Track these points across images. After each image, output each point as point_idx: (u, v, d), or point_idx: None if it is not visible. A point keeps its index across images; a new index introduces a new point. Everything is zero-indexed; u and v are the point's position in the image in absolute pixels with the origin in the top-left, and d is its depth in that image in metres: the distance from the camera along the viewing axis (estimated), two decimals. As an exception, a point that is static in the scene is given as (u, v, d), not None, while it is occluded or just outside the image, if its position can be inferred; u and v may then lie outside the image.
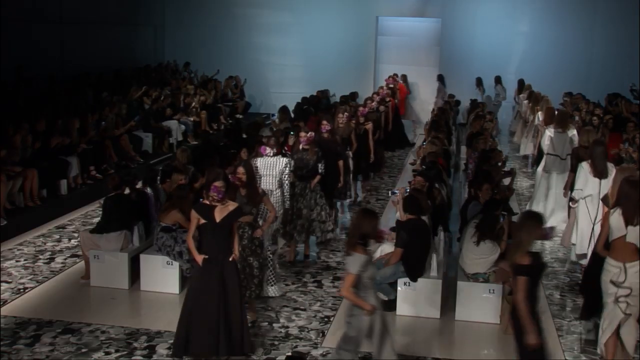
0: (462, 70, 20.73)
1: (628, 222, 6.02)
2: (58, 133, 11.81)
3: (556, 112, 12.11)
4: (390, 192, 10.30)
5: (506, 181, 10.30)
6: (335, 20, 21.53)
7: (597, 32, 20.49)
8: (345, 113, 11.99)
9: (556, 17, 20.68)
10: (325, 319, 7.52)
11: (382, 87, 17.45)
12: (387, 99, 16.31)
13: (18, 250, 9.55)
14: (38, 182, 10.85)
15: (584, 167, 8.28)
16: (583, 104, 16.59)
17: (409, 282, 7.65)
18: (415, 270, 7.61)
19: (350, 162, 11.40)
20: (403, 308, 7.69)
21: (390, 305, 7.75)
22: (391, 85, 18.36)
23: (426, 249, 7.70)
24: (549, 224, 9.43)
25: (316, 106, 16.03)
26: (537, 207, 10.78)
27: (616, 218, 6.10)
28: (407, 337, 7.30)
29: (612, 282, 6.04)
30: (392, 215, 10.51)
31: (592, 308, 6.88)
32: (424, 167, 10.43)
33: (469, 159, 11.99)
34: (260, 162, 8.69)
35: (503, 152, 11.89)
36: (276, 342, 6.94)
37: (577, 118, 14.93)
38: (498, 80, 20.09)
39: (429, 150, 11.09)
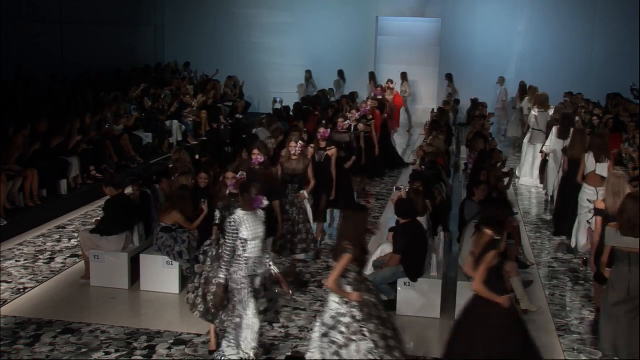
0: (462, 70, 20.73)
1: (597, 160, 9.18)
2: (59, 134, 11.80)
3: (540, 96, 14.66)
4: (395, 187, 10.29)
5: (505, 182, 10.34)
6: (335, 20, 21.51)
7: (597, 32, 20.48)
8: (300, 142, 8.67)
9: (556, 17, 20.67)
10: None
11: (365, 102, 13.76)
12: (370, 116, 12.87)
13: (18, 250, 9.55)
14: (38, 182, 10.85)
15: (553, 131, 12.03)
16: (583, 104, 16.59)
17: (409, 282, 7.65)
18: (414, 271, 7.61)
19: (308, 205, 8.69)
20: (403, 308, 7.69)
21: (390, 305, 7.75)
22: (379, 97, 15.25)
23: (424, 250, 7.71)
24: (532, 183, 13.68)
25: (315, 106, 15.91)
26: (525, 172, 13.92)
27: (589, 159, 9.24)
28: (407, 337, 7.30)
29: (588, 200, 8.92)
30: (392, 214, 10.50)
31: (563, 227, 10.25)
32: (423, 167, 10.45)
33: (469, 159, 12.01)
34: None
35: (503, 153, 11.97)
36: (276, 342, 6.93)
37: (577, 118, 14.93)
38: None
39: (428, 150, 11.11)
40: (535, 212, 12.23)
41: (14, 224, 10.04)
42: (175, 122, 15.84)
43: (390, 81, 18.11)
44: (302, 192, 8.52)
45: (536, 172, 13.53)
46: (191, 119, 16.63)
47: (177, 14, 22.50)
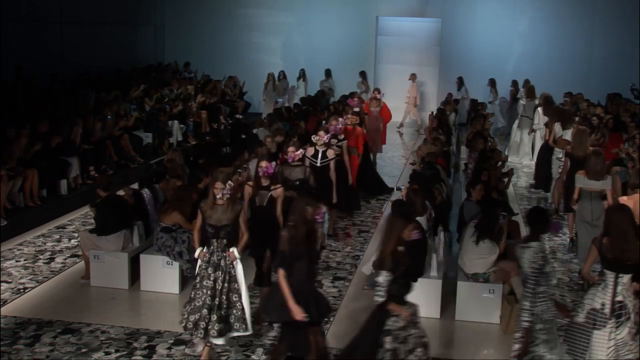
0: (462, 70, 20.70)
1: (564, 128, 12.34)
2: (59, 133, 11.79)
3: (527, 87, 17.21)
4: (395, 187, 10.25)
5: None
6: (335, 20, 21.52)
7: (597, 32, 20.49)
8: (229, 183, 6.39)
9: (556, 17, 20.68)
10: (325, 319, 7.51)
11: (335, 117, 10.78)
12: (341, 136, 10.51)
13: (18, 250, 9.55)
14: (38, 182, 10.85)
15: (539, 110, 15.10)
16: (584, 104, 16.65)
17: (409, 282, 7.64)
18: (415, 271, 7.60)
19: (239, 267, 6.48)
20: (403, 308, 7.67)
21: (390, 305, 7.75)
22: (357, 109, 12.83)
23: (424, 250, 7.70)
24: (517, 161, 15.82)
25: (315, 106, 15.88)
26: (513, 153, 16.19)
27: (557, 126, 12.27)
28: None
29: (558, 159, 11.59)
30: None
31: (540, 183, 12.90)
32: (421, 166, 10.45)
33: (469, 159, 12.01)
34: None
35: (502, 152, 12.02)
36: (277, 342, 6.92)
37: (577, 119, 14.98)
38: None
39: (428, 151, 11.11)
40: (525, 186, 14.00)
41: (14, 224, 10.04)
42: (176, 122, 15.83)
43: (377, 90, 15.75)
44: (231, 249, 6.43)
45: (522, 151, 16.16)
46: (191, 119, 16.63)
47: (177, 14, 22.50)
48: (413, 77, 20.71)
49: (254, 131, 13.20)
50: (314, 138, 9.55)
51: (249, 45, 22.15)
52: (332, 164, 9.57)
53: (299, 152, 8.61)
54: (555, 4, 20.74)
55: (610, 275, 5.63)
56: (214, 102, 18.30)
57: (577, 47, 20.52)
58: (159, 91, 16.76)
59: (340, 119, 10.64)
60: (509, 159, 15.18)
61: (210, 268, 6.38)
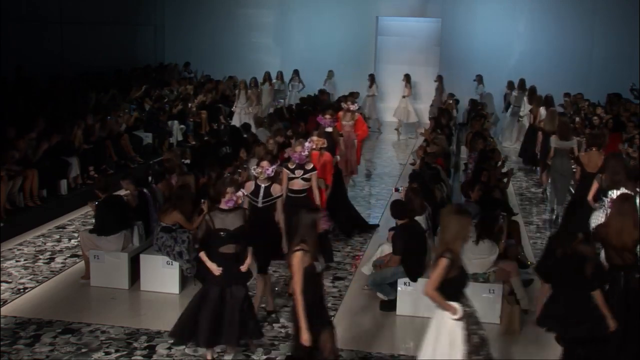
0: (462, 70, 20.70)
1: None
2: (59, 132, 11.79)
3: (519, 81, 18.43)
4: (394, 189, 10.22)
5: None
6: (335, 20, 21.52)
7: (597, 32, 20.48)
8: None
9: (556, 17, 20.68)
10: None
11: (301, 142, 8.36)
12: (310, 166, 8.23)
13: (18, 250, 9.56)
14: (38, 182, 10.86)
15: (525, 100, 17.07)
16: (585, 104, 16.66)
17: (409, 282, 7.65)
18: (414, 271, 7.62)
19: None
20: (403, 308, 7.68)
21: (390, 305, 7.76)
22: (329, 128, 10.72)
23: (423, 250, 7.71)
24: (511, 147, 17.61)
25: (315, 106, 15.86)
26: (508, 140, 18.13)
27: (543, 110, 14.27)
28: (407, 337, 7.31)
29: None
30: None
31: (530, 159, 15.25)
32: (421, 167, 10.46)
33: (469, 159, 12.02)
34: None
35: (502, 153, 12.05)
36: (276, 342, 6.93)
37: (577, 119, 15.01)
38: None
39: (429, 151, 11.12)
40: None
41: (14, 224, 10.03)
42: (176, 122, 15.84)
43: (350, 101, 12.96)
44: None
45: (513, 136, 18.03)
46: (191, 119, 16.63)
47: (177, 14, 22.50)
48: (330, 74, 20.58)
49: (254, 131, 13.20)
50: (254, 170, 7.42)
51: (249, 45, 22.15)
52: (278, 204, 7.36)
53: (238, 195, 6.51)
54: (555, 4, 20.73)
55: (606, 200, 7.70)
56: (214, 102, 18.30)
57: (577, 47, 20.51)
58: (158, 92, 16.75)
59: (307, 144, 8.29)
60: (504, 144, 17.69)
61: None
